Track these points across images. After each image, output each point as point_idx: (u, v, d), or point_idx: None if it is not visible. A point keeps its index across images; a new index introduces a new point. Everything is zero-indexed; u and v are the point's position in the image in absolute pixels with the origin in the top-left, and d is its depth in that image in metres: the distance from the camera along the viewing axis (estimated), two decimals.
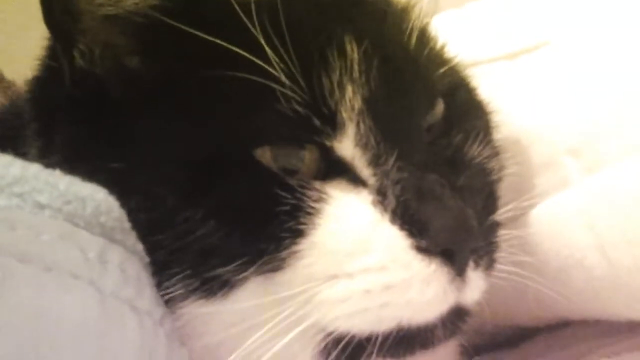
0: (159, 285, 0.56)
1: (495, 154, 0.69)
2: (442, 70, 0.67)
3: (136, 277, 0.54)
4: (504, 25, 0.87)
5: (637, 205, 0.64)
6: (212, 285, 0.55)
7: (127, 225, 0.54)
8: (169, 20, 0.56)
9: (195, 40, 0.55)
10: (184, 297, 0.56)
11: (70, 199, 0.52)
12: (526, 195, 0.71)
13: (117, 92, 0.59)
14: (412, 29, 0.64)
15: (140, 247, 0.55)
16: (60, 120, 0.61)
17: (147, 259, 0.55)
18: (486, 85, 0.75)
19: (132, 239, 0.54)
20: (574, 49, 0.77)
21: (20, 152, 0.59)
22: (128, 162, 0.57)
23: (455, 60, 0.72)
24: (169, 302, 0.56)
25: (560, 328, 0.76)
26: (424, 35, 0.67)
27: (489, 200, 0.67)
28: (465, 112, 0.69)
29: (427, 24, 0.69)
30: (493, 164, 0.68)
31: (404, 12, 0.68)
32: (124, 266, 0.53)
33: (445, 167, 0.62)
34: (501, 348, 0.78)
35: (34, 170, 0.52)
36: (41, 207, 0.50)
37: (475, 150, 0.66)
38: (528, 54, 0.80)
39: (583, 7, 0.80)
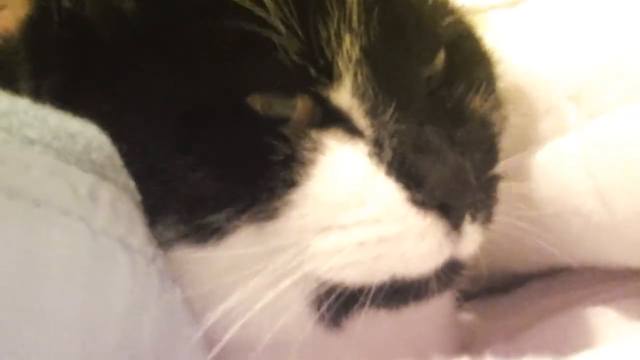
0: (152, 229, 0.56)
1: (498, 105, 0.68)
2: (446, 20, 0.65)
3: (128, 215, 0.53)
4: None
5: (637, 152, 0.64)
6: (204, 232, 0.55)
7: (118, 162, 0.54)
8: None
9: None
10: (176, 242, 0.56)
11: (61, 134, 0.51)
12: (529, 147, 0.70)
13: (107, 35, 0.58)
14: None
15: (132, 184, 0.55)
16: (51, 62, 0.60)
17: (138, 197, 0.55)
18: (487, 33, 0.74)
19: (123, 176, 0.54)
20: None
21: (14, 88, 0.59)
22: (119, 107, 0.56)
23: (461, 10, 0.70)
24: (163, 246, 0.56)
25: (555, 274, 0.76)
26: None
27: (489, 153, 0.66)
28: (468, 62, 0.67)
29: None
30: (495, 116, 0.67)
31: None
32: (115, 203, 0.52)
33: (445, 119, 0.60)
34: (493, 294, 0.79)
35: (23, 105, 0.51)
36: (30, 142, 0.50)
37: (477, 102, 0.65)
38: (529, 0, 0.79)
39: None
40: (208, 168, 0.54)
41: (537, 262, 0.75)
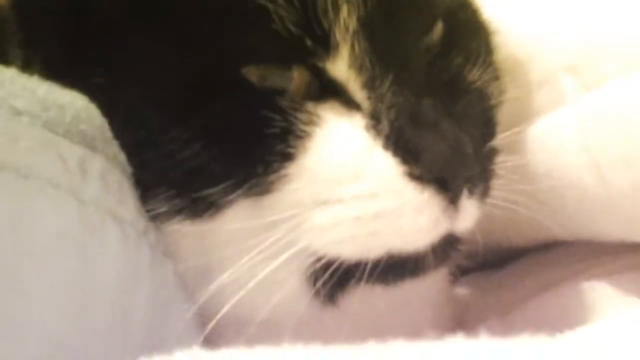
0: (144, 203, 0.55)
1: (496, 77, 0.68)
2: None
3: (118, 187, 0.53)
4: None
5: (634, 126, 0.63)
6: (199, 205, 0.55)
7: (108, 134, 0.53)
8: None
9: None
10: (170, 215, 0.55)
11: (49, 105, 0.50)
12: (525, 120, 0.69)
13: (101, 6, 0.57)
14: None
15: (122, 157, 0.54)
16: (44, 32, 0.59)
17: (129, 170, 0.54)
18: (483, 3, 0.73)
19: (113, 148, 0.53)
20: None
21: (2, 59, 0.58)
22: (112, 78, 0.55)
23: None
24: (155, 220, 0.56)
25: (550, 248, 0.75)
26: None
27: (487, 126, 0.65)
28: (465, 33, 0.66)
29: None
30: (493, 88, 0.66)
31: None
32: (105, 175, 0.52)
33: (443, 92, 0.60)
34: (488, 269, 0.78)
35: (10, 75, 0.50)
36: (18, 113, 0.49)
37: (475, 74, 0.64)
38: None
39: None
40: (204, 141, 0.53)
41: (532, 236, 0.74)
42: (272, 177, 0.54)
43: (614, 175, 0.63)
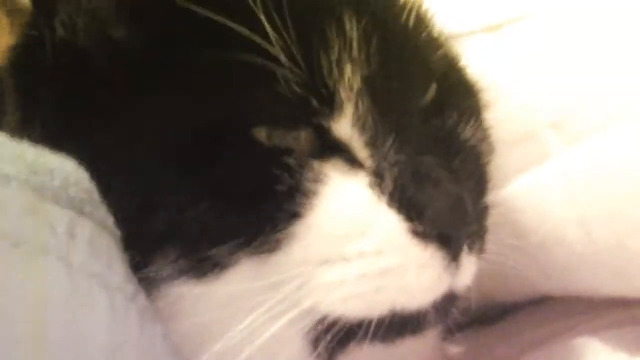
0: (147, 265, 0.54)
1: (487, 136, 0.69)
2: (438, 54, 0.66)
3: (106, 252, 0.52)
4: None
5: (618, 180, 0.64)
6: (204, 265, 0.54)
7: (97, 197, 0.53)
8: None
9: (191, 15, 0.53)
10: (174, 277, 0.54)
11: (38, 170, 0.50)
12: (509, 175, 0.70)
13: (103, 63, 0.57)
14: (410, 10, 0.63)
15: (111, 221, 0.53)
16: (43, 93, 0.59)
17: (118, 234, 0.54)
18: (468, 59, 0.74)
19: (102, 212, 0.53)
20: (555, 21, 0.76)
21: None
22: (116, 138, 0.55)
23: (449, 42, 0.71)
24: (158, 282, 0.55)
25: (540, 304, 0.75)
26: (421, 18, 0.66)
27: (481, 183, 0.66)
28: (457, 94, 0.68)
29: (424, 7, 0.68)
30: (484, 146, 0.68)
31: None
32: (93, 240, 0.51)
33: (441, 150, 0.60)
34: (479, 324, 0.78)
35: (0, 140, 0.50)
36: (8, 179, 0.48)
37: (468, 133, 0.65)
38: (510, 26, 0.79)
39: None
40: (211, 200, 0.53)
41: (522, 292, 0.75)
42: (279, 235, 0.53)
43: (600, 231, 0.64)
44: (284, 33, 0.53)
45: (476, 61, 0.74)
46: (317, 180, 0.55)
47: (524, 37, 0.77)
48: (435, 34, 0.68)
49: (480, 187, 0.65)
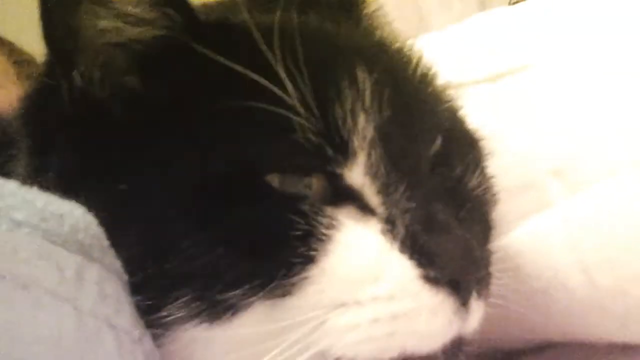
0: (160, 308, 0.55)
1: (491, 185, 0.70)
2: (443, 106, 0.68)
3: (114, 295, 0.53)
4: (487, 48, 0.87)
5: (620, 226, 0.65)
6: (217, 308, 0.54)
7: (105, 242, 0.54)
8: (192, 43, 0.57)
9: (206, 64, 0.55)
10: (186, 320, 0.55)
11: (48, 216, 0.51)
12: (511, 222, 0.71)
13: (118, 112, 0.59)
14: (416, 65, 0.66)
15: (118, 265, 0.54)
16: (58, 140, 0.60)
17: (125, 278, 0.55)
18: (470, 108, 0.75)
19: (110, 257, 0.54)
20: (557, 71, 0.78)
21: (3, 172, 0.59)
22: (131, 185, 0.56)
23: (450, 94, 0.72)
24: (169, 325, 0.55)
25: (544, 350, 0.75)
26: (426, 72, 0.68)
27: (486, 230, 0.68)
28: (461, 144, 0.69)
29: (428, 63, 0.70)
30: (489, 195, 0.69)
31: (406, 49, 0.70)
32: (101, 284, 0.52)
33: (448, 198, 0.62)
34: None
35: (10, 187, 0.51)
36: (18, 224, 0.50)
37: (474, 182, 0.67)
38: (511, 76, 0.81)
39: (564, 29, 0.81)
40: (227, 245, 0.54)
41: (523, 338, 0.74)
42: (294, 280, 0.54)
43: (601, 276, 0.64)
44: (300, 84, 0.55)
45: (478, 110, 0.75)
46: (331, 225, 0.56)
47: (525, 87, 0.79)
48: (439, 87, 0.70)
49: (485, 234, 0.67)
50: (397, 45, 0.70)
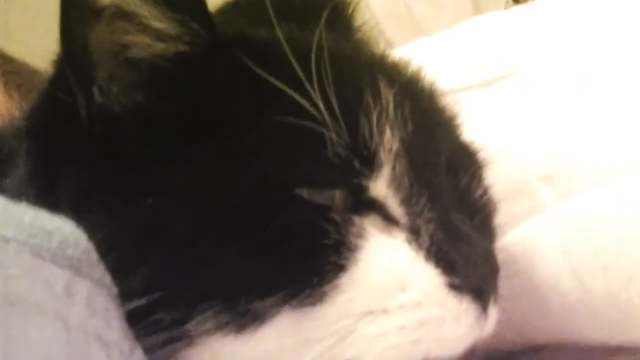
0: (185, 321, 0.54)
1: (492, 194, 0.71)
2: (448, 117, 0.70)
3: (104, 310, 0.53)
4: (478, 53, 0.88)
5: (611, 231, 0.65)
6: (244, 319, 0.54)
7: (94, 257, 0.53)
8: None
9: (234, 80, 0.57)
10: (211, 332, 0.55)
11: (36, 232, 0.51)
12: (503, 228, 0.71)
13: (137, 128, 0.59)
14: (422, 79, 0.69)
15: (108, 279, 0.54)
16: (71, 156, 0.59)
17: (115, 291, 0.54)
18: (462, 114, 0.75)
19: (99, 271, 0.54)
20: (548, 76, 0.78)
21: None
22: (155, 203, 0.56)
23: (450, 106, 0.73)
24: (193, 338, 0.55)
25: (536, 353, 0.75)
26: (431, 85, 0.71)
27: (492, 238, 0.69)
28: (464, 155, 0.70)
29: (429, 76, 0.71)
30: (492, 203, 0.70)
31: (403, 62, 0.71)
32: (91, 299, 0.52)
33: (462, 208, 0.63)
34: None
35: None
36: (6, 240, 0.50)
37: (480, 191, 0.68)
38: (502, 81, 0.81)
39: (555, 34, 0.81)
40: (259, 255, 0.54)
41: (518, 341, 0.74)
42: (325, 288, 0.54)
43: (592, 280, 0.64)
44: (328, 98, 0.56)
45: (470, 115, 0.76)
46: (360, 235, 0.57)
47: (515, 92, 0.79)
48: (443, 100, 0.71)
49: (492, 241, 0.68)
50: (394, 58, 0.71)
